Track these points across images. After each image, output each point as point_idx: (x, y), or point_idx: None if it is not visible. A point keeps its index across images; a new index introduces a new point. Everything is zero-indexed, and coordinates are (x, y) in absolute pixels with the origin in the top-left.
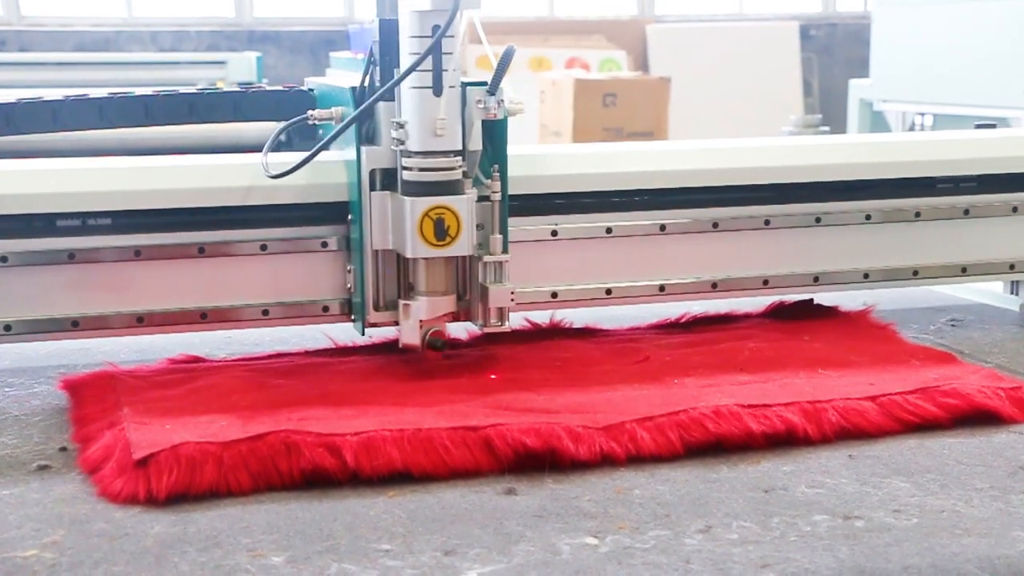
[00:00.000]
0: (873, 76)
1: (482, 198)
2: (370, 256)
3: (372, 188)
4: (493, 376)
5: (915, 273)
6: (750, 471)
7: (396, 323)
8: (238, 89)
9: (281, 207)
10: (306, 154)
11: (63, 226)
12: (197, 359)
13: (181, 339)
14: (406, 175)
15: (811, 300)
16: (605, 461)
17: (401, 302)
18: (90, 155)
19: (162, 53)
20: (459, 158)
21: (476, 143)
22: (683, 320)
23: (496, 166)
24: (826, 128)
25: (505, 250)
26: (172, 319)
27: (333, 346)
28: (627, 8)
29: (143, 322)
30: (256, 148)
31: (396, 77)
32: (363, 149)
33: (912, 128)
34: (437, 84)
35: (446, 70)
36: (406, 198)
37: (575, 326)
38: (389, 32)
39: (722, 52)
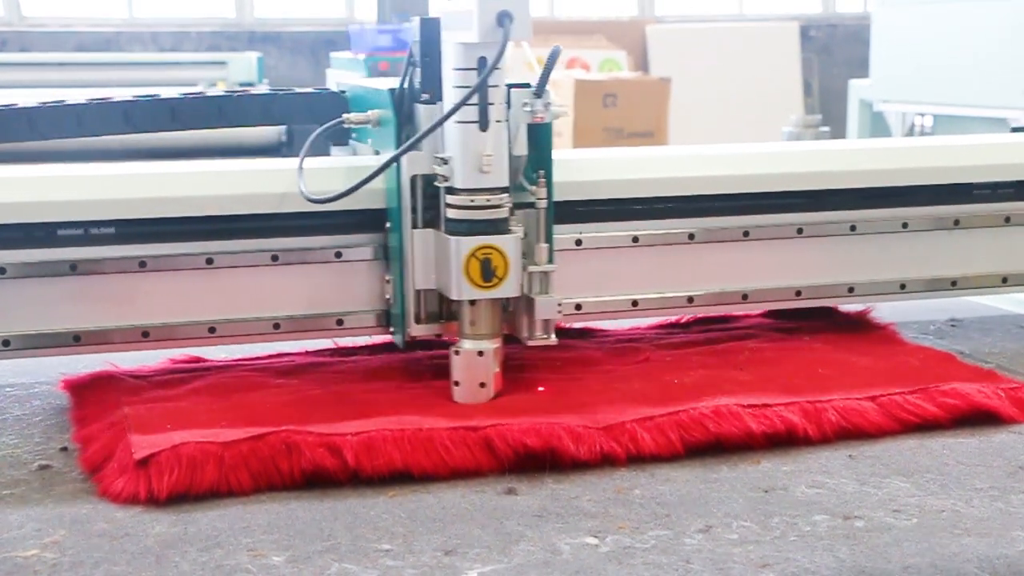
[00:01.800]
0: (873, 76)
1: (526, 205)
2: (411, 266)
3: (412, 194)
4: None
5: (953, 283)
6: (750, 471)
7: (439, 336)
8: (268, 91)
9: (308, 215)
10: (352, 184)
11: (64, 235)
12: (198, 359)
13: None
14: (451, 213)
15: None
16: (605, 461)
17: (452, 350)
18: (116, 158)
19: (163, 53)
20: (506, 195)
21: (521, 148)
22: (683, 320)
23: (541, 171)
24: (826, 129)
25: (551, 260)
26: (179, 333)
27: (333, 346)
28: (627, 8)
29: (148, 337)
30: (257, 150)
31: (442, 115)
32: (387, 157)
33: (912, 128)
34: (483, 119)
35: (492, 104)
36: (451, 237)
37: (575, 326)
38: (430, 32)
39: (722, 52)
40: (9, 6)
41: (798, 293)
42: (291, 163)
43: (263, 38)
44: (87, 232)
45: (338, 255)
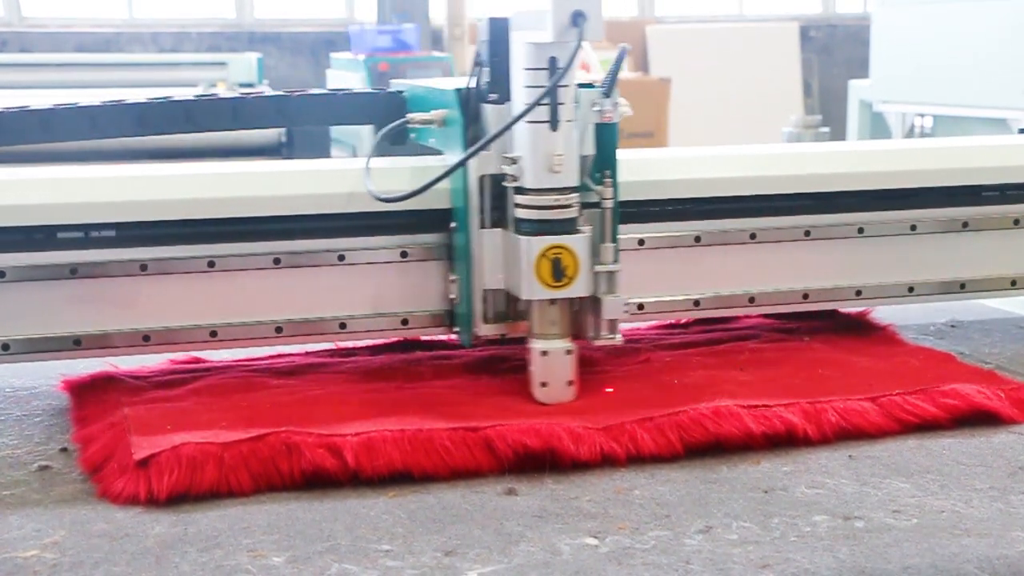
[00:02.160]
0: (873, 77)
1: (591, 204)
2: (479, 266)
3: (480, 194)
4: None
5: (962, 286)
6: (750, 471)
7: (504, 335)
8: (326, 92)
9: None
10: (419, 185)
11: (64, 239)
12: (198, 360)
13: None
14: (520, 213)
15: None
16: (605, 461)
17: (536, 351)
18: (113, 159)
19: (163, 54)
20: (575, 194)
21: (589, 148)
22: (683, 321)
23: (607, 171)
24: (826, 129)
25: (616, 259)
26: (180, 337)
27: (333, 347)
28: (627, 9)
29: (149, 340)
30: (258, 151)
31: (512, 115)
32: (459, 156)
33: (912, 129)
34: (554, 119)
35: (562, 103)
36: (521, 237)
37: None
38: (499, 32)
39: (722, 53)
40: (9, 6)
41: (805, 296)
42: (342, 164)
43: (263, 38)
44: (87, 235)
45: (404, 255)
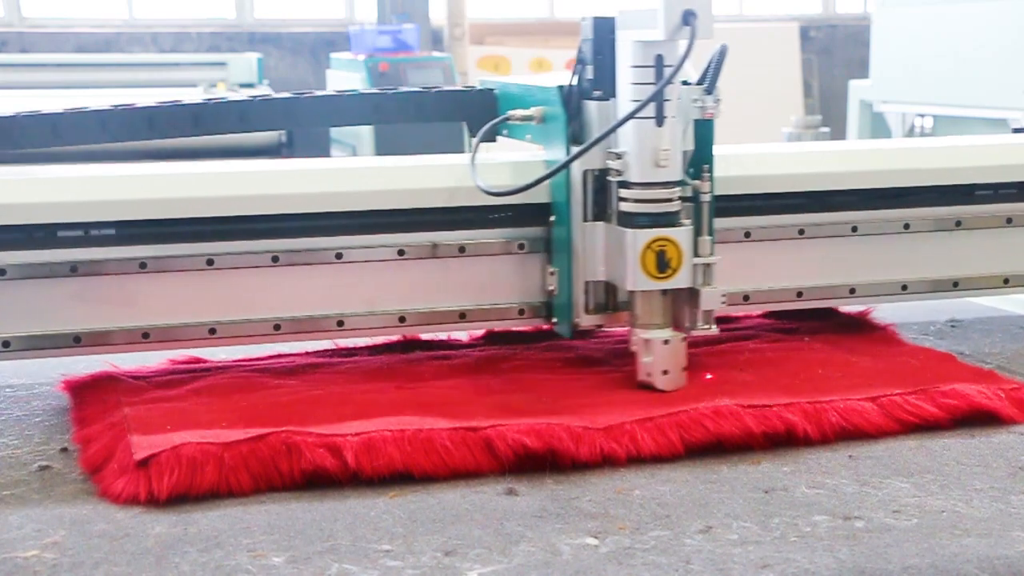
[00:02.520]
0: (873, 77)
1: (689, 198)
2: (581, 258)
3: (583, 188)
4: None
5: (955, 284)
6: (750, 471)
7: (601, 326)
8: (420, 90)
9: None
10: (533, 177)
11: (64, 237)
12: (198, 360)
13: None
14: (624, 206)
15: None
16: (605, 461)
17: (658, 340)
18: (113, 161)
19: (163, 55)
20: (679, 188)
21: (689, 143)
22: None
23: (705, 166)
24: (826, 129)
25: (713, 251)
26: (179, 335)
27: (333, 347)
28: None
29: (149, 338)
30: (258, 151)
31: (617, 111)
32: (574, 150)
33: (912, 129)
34: (659, 115)
35: (668, 100)
36: (627, 230)
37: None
38: (604, 30)
39: None
40: (9, 7)
41: (799, 294)
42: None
43: (263, 39)
44: (87, 233)
45: (520, 247)
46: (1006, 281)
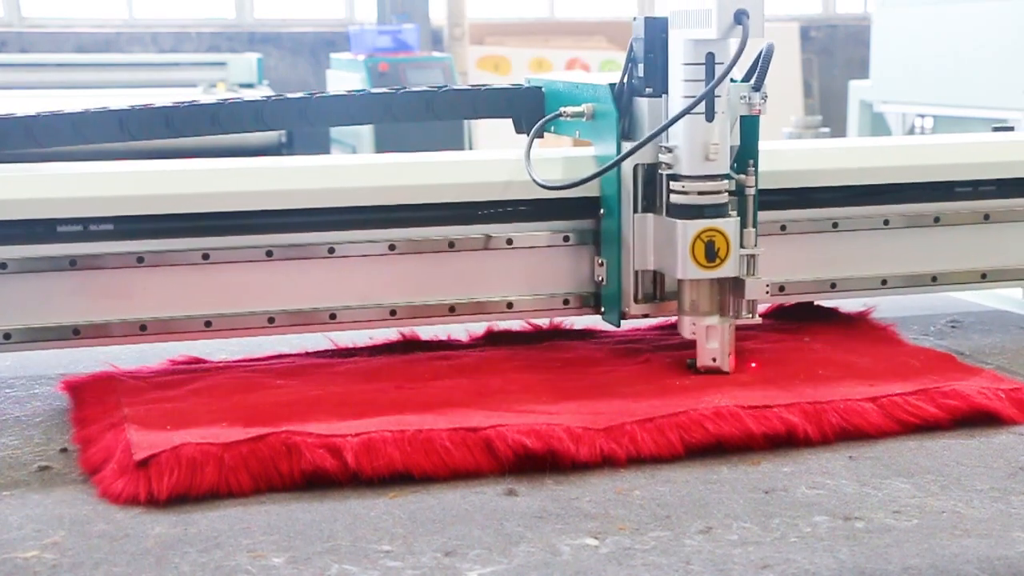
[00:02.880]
0: (873, 77)
1: (734, 192)
2: (631, 248)
3: (634, 181)
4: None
5: (934, 279)
6: (750, 472)
7: (648, 315)
8: (470, 87)
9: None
10: (591, 171)
11: (64, 232)
12: (198, 360)
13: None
14: (675, 198)
15: (811, 301)
16: (605, 462)
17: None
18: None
19: (163, 55)
20: (727, 181)
21: (735, 138)
22: None
23: (751, 161)
24: (826, 130)
25: (757, 243)
26: (176, 327)
27: (333, 347)
28: (627, 9)
29: (146, 330)
30: (258, 151)
31: (674, 114)
32: (626, 145)
33: (912, 130)
34: (710, 110)
35: (718, 96)
36: (678, 221)
37: (576, 327)
38: (655, 30)
39: None
40: (9, 7)
41: (781, 288)
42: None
43: (263, 39)
44: (86, 228)
45: (566, 239)
46: (984, 276)
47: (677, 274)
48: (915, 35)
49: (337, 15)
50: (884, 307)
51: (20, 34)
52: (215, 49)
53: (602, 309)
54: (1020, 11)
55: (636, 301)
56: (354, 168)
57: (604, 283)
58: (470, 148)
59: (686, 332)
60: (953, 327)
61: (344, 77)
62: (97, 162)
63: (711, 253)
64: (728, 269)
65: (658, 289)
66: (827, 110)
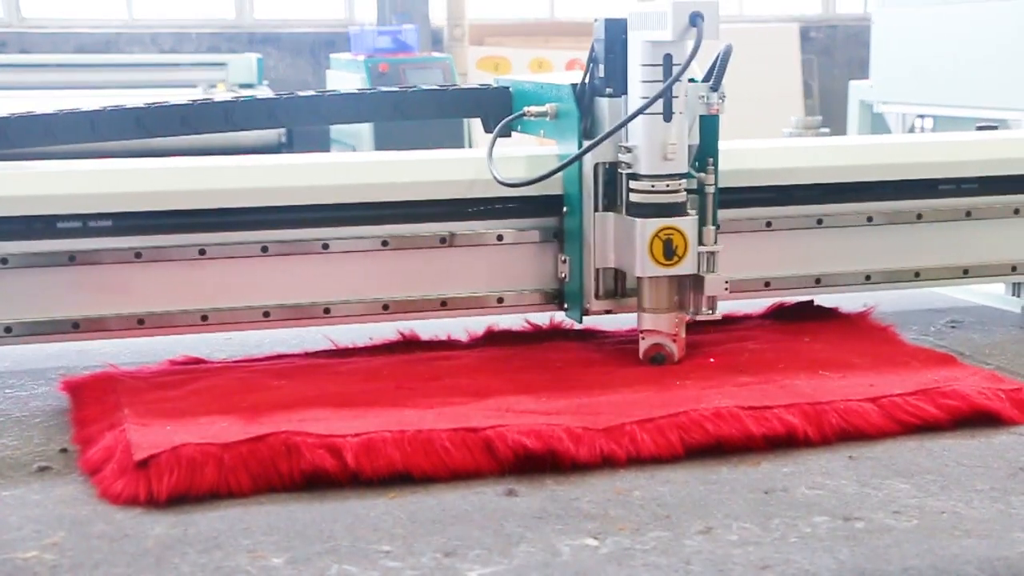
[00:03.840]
0: (873, 78)
1: (695, 191)
2: (592, 246)
3: (595, 180)
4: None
5: (917, 275)
6: (750, 472)
7: (610, 311)
8: (439, 88)
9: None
10: (550, 168)
11: (63, 228)
12: (198, 360)
13: (182, 340)
14: (634, 197)
15: (811, 301)
16: (605, 462)
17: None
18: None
19: (162, 55)
20: (685, 180)
21: (694, 138)
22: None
23: (710, 159)
24: (826, 130)
25: (716, 240)
26: (172, 321)
27: (333, 347)
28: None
29: (143, 324)
30: (258, 151)
31: (627, 108)
32: (586, 144)
33: (912, 130)
34: (667, 111)
35: (676, 96)
36: (636, 219)
37: (575, 327)
38: (615, 31)
39: None
40: (9, 7)
41: (767, 284)
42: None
43: (263, 39)
44: (85, 224)
45: (533, 236)
46: (966, 272)
47: (636, 272)
48: (915, 35)
49: (337, 15)
50: (884, 307)
51: (20, 34)
52: (215, 49)
53: (565, 305)
54: (1020, 11)
55: (597, 297)
56: (349, 166)
57: (567, 280)
58: (470, 146)
59: (645, 328)
60: (953, 327)
61: (344, 77)
62: (97, 159)
63: (669, 251)
64: (686, 267)
65: (619, 286)
66: (827, 110)
